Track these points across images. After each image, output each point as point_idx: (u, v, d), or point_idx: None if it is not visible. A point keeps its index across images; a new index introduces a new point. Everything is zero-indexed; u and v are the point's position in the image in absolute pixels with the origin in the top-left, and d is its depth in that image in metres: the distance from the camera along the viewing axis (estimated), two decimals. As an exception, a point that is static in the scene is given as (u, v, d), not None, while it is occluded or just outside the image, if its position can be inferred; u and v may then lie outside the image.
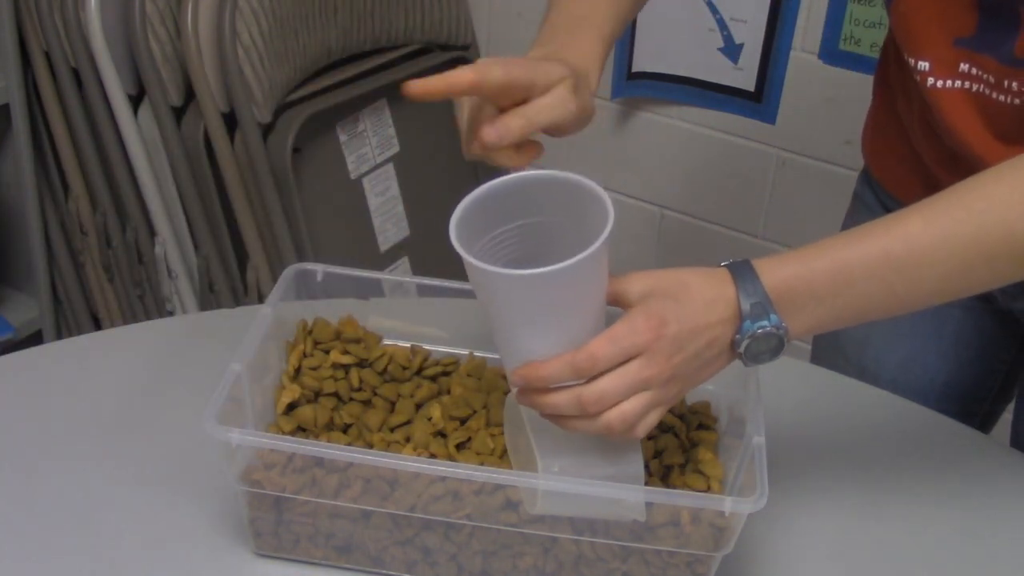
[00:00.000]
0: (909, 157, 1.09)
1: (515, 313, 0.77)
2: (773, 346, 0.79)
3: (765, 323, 0.78)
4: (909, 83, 1.02)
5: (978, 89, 0.94)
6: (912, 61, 0.97)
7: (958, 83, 0.94)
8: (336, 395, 0.94)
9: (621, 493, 0.80)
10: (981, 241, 0.79)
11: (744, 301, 0.78)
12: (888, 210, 1.15)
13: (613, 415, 0.76)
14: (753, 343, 0.79)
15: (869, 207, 1.17)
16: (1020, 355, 1.20)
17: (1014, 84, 0.91)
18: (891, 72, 1.09)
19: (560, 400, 0.76)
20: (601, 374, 0.75)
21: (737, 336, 0.79)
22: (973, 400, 1.21)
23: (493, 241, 0.81)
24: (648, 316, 0.76)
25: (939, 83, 0.95)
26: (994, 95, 0.93)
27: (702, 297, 0.78)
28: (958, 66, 0.93)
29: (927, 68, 0.95)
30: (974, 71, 0.93)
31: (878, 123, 1.15)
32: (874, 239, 0.80)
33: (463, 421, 0.92)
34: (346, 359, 0.96)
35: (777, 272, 0.79)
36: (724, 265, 0.80)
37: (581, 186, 0.79)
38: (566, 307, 0.76)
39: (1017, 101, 0.92)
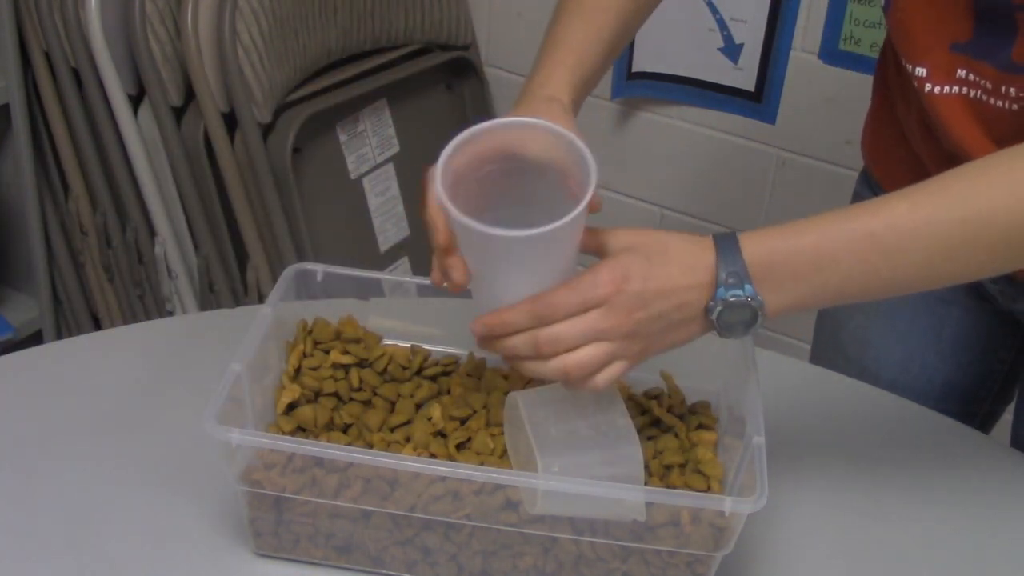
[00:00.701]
0: (908, 158, 1.09)
1: (493, 266, 0.80)
2: (747, 318, 0.80)
3: (739, 292, 0.79)
4: (907, 86, 1.02)
5: (976, 95, 0.94)
6: (910, 67, 0.96)
7: (955, 89, 0.94)
8: (336, 395, 0.94)
9: (621, 493, 0.80)
10: (965, 228, 0.79)
11: (722, 269, 0.79)
12: None
13: (569, 360, 0.78)
14: (726, 311, 0.79)
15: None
16: (1020, 356, 1.20)
17: (1012, 90, 0.91)
18: (889, 74, 1.09)
19: (517, 341, 0.79)
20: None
21: (711, 303, 0.79)
22: (973, 400, 1.21)
23: (477, 183, 0.82)
24: (612, 269, 0.78)
25: (936, 89, 0.95)
26: (992, 101, 0.93)
27: (679, 260, 0.79)
28: (955, 72, 0.93)
29: (924, 74, 0.95)
30: (971, 77, 0.93)
31: (877, 124, 1.15)
32: (859, 220, 0.80)
33: (463, 421, 0.92)
34: (346, 359, 0.96)
35: (759, 246, 0.80)
36: (713, 235, 0.81)
37: (564, 139, 0.80)
38: (542, 262, 0.79)
39: (1015, 107, 0.92)
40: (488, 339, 0.80)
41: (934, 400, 1.14)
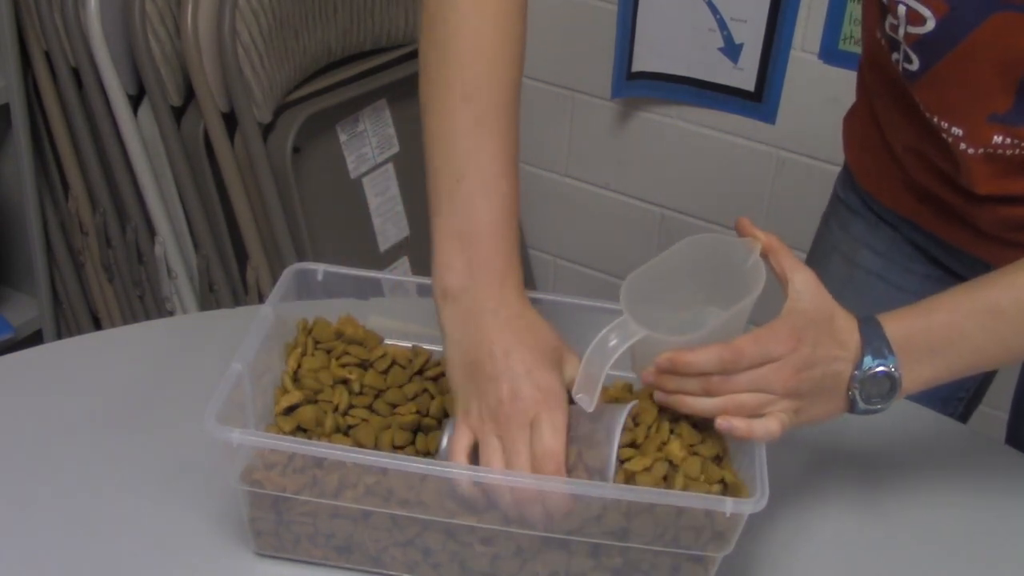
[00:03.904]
0: (898, 174, 1.10)
1: None
2: (886, 390, 0.84)
3: (884, 363, 0.83)
4: (899, 119, 1.03)
5: (1013, 154, 0.95)
6: (944, 124, 0.97)
7: (991, 151, 0.96)
8: (336, 407, 0.94)
9: (622, 493, 0.80)
10: None
11: (867, 343, 0.83)
12: (875, 214, 1.15)
13: (730, 401, 0.81)
14: (868, 382, 0.84)
15: (854, 210, 1.18)
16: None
17: None
18: (874, 99, 1.10)
19: (689, 383, 0.82)
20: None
21: (856, 373, 0.83)
22: (951, 401, 1.23)
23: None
24: (792, 331, 0.81)
25: (970, 150, 0.97)
26: None
27: (838, 333, 0.83)
28: (992, 139, 0.95)
29: (960, 135, 0.97)
30: (1008, 140, 0.94)
31: (862, 132, 1.16)
32: (985, 294, 0.85)
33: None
34: (346, 359, 0.95)
35: (899, 324, 0.84)
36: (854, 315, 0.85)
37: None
38: None
39: None
40: (666, 373, 0.82)
41: (915, 398, 1.15)
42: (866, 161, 1.16)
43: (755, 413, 0.82)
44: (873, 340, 0.84)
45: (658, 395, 0.84)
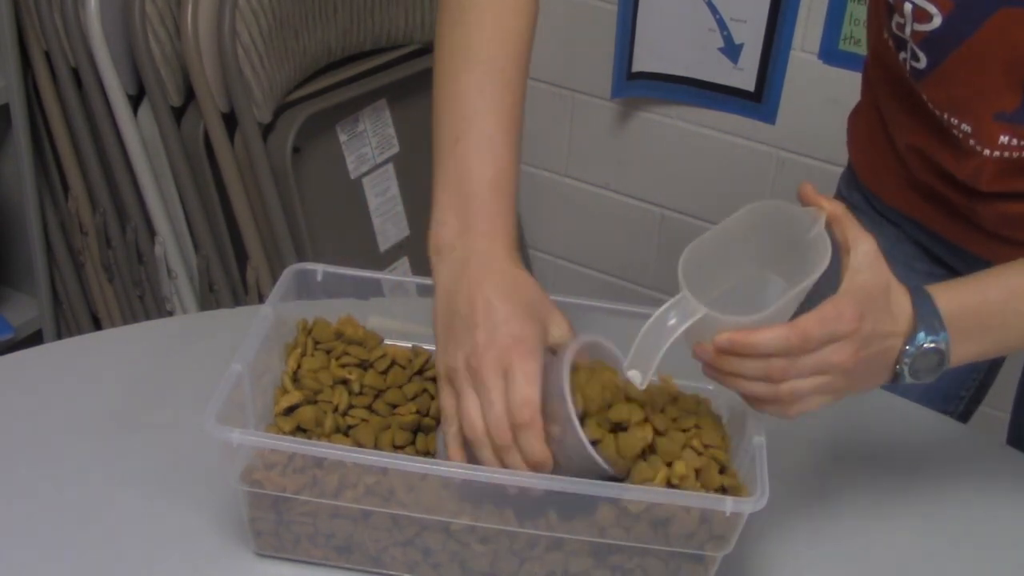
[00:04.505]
0: (902, 172, 1.10)
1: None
2: (934, 364, 0.83)
3: (936, 339, 0.82)
4: (903, 118, 1.03)
5: (1019, 156, 0.95)
6: (955, 120, 0.97)
7: (997, 153, 0.96)
8: (335, 408, 0.94)
9: (624, 493, 0.80)
10: None
11: (920, 318, 0.82)
12: (878, 212, 1.15)
13: (784, 388, 0.79)
14: (920, 357, 0.82)
15: (858, 208, 1.18)
16: (998, 357, 1.21)
17: None
18: (879, 97, 1.10)
19: (748, 363, 0.79)
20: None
21: (908, 347, 0.82)
22: (952, 399, 1.23)
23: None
24: (855, 306, 0.79)
25: (979, 148, 0.97)
26: None
27: (893, 307, 0.82)
28: (998, 139, 0.95)
29: (970, 131, 0.97)
30: (1015, 142, 0.94)
31: (866, 131, 1.16)
32: None
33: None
34: (346, 360, 0.95)
35: (952, 298, 0.83)
36: (906, 285, 0.84)
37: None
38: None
39: None
40: (726, 354, 0.79)
41: (915, 397, 1.15)
42: (869, 160, 1.16)
43: (809, 396, 0.80)
44: (926, 315, 0.82)
45: (707, 370, 0.81)
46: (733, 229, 0.83)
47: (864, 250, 0.81)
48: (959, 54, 0.92)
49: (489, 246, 0.84)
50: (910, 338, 0.82)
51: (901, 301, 0.83)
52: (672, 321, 0.79)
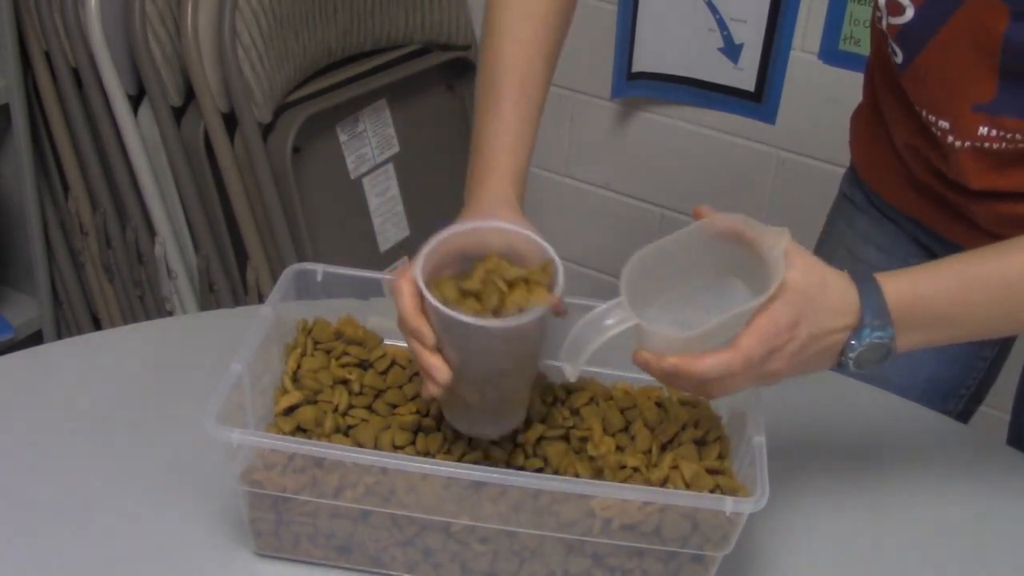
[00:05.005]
0: (901, 169, 1.10)
1: (475, 356, 0.83)
2: (879, 357, 0.83)
3: (882, 334, 0.82)
4: (900, 114, 1.03)
5: (999, 147, 0.95)
6: (931, 117, 0.98)
7: (978, 144, 0.96)
8: (335, 408, 0.94)
9: (624, 493, 0.80)
10: None
11: (867, 312, 0.81)
12: (879, 211, 1.16)
13: (726, 391, 0.81)
14: (865, 351, 0.82)
15: (859, 207, 1.18)
16: (1000, 354, 1.22)
17: None
18: (879, 93, 1.10)
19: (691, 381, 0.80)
20: None
21: (853, 342, 0.82)
22: (952, 397, 1.23)
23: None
24: (790, 314, 0.79)
25: (958, 143, 0.97)
26: (1020, 147, 0.94)
27: (833, 304, 0.81)
28: (977, 129, 0.95)
29: (948, 127, 0.97)
30: (993, 132, 0.94)
31: (867, 129, 1.16)
32: (993, 265, 0.84)
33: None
34: (346, 360, 0.95)
35: (902, 290, 0.82)
36: (851, 273, 0.83)
37: (522, 236, 0.87)
38: (517, 349, 0.84)
39: None
40: (670, 375, 0.80)
41: (916, 394, 1.15)
42: (870, 157, 1.17)
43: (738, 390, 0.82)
44: (873, 308, 0.82)
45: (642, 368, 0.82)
46: (691, 239, 0.85)
47: (783, 247, 0.81)
48: (932, 46, 0.92)
49: (479, 187, 0.92)
50: (856, 332, 0.82)
51: (846, 293, 0.82)
52: (609, 321, 0.81)
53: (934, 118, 0.97)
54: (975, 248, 0.86)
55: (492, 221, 0.86)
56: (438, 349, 0.82)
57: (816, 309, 0.80)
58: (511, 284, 0.82)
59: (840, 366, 0.84)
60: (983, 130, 0.94)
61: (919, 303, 0.83)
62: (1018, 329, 0.87)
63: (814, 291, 0.81)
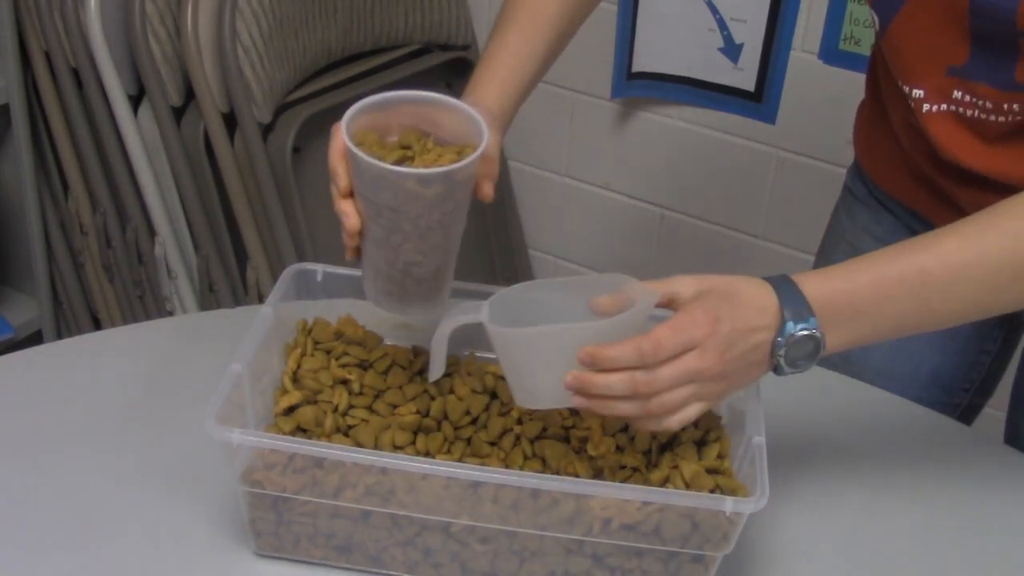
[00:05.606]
0: (898, 155, 1.10)
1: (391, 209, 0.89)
2: (809, 351, 0.82)
3: (805, 325, 0.81)
4: (895, 92, 1.03)
5: (973, 114, 0.95)
6: (907, 88, 0.98)
7: (951, 108, 0.96)
8: (335, 408, 0.94)
9: (624, 493, 0.80)
10: (1014, 260, 0.83)
11: (787, 307, 0.82)
12: (878, 202, 1.16)
13: (654, 403, 0.79)
14: (793, 347, 0.82)
15: (860, 199, 1.19)
16: (1004, 347, 1.22)
17: (1015, 106, 0.93)
18: (879, 74, 1.10)
19: (614, 379, 0.79)
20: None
21: (779, 339, 0.82)
22: (956, 391, 1.23)
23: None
24: (706, 311, 0.79)
25: (933, 108, 0.97)
26: (992, 118, 0.95)
27: (751, 302, 0.82)
28: (951, 93, 0.95)
29: (921, 96, 0.97)
30: (967, 98, 0.95)
31: (868, 121, 1.16)
32: (912, 257, 0.84)
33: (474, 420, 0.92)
34: (346, 360, 0.95)
35: (820, 285, 0.83)
36: (766, 278, 0.83)
37: (465, 113, 0.88)
38: (436, 205, 0.86)
39: (1020, 118, 0.93)
40: (583, 375, 0.80)
41: (918, 388, 1.15)
42: (871, 146, 1.17)
43: (685, 406, 0.81)
44: (792, 303, 0.82)
45: (577, 400, 0.81)
46: (568, 283, 0.86)
47: (685, 278, 0.82)
48: (905, 11, 0.93)
49: (464, 98, 0.94)
50: (780, 329, 0.82)
51: (762, 295, 0.82)
52: (457, 319, 0.85)
53: (908, 88, 0.97)
54: (900, 241, 0.86)
55: (446, 97, 0.88)
56: (351, 196, 0.87)
57: (733, 305, 0.81)
58: (428, 150, 0.84)
59: (775, 369, 0.84)
60: (957, 94, 0.94)
61: (836, 296, 0.82)
62: (944, 324, 0.86)
63: (723, 287, 0.81)
